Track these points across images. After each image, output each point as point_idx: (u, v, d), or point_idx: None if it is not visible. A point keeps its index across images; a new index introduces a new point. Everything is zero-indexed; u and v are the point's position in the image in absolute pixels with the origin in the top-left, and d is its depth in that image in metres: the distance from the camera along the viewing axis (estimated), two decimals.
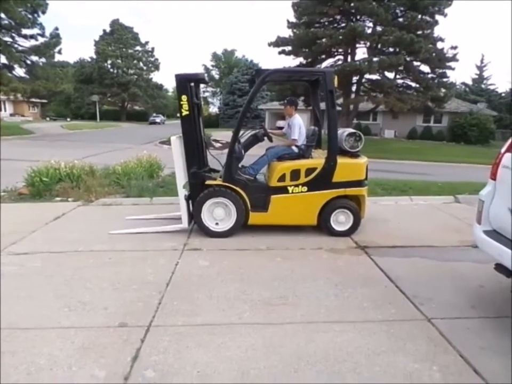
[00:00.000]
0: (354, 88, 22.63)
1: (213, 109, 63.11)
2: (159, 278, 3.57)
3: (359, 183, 4.84)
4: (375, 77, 21.69)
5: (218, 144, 17.55)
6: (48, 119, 47.89)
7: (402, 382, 2.25)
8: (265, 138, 5.29)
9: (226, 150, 4.95)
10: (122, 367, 2.33)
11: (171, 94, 61.05)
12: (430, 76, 22.12)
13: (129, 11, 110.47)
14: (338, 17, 21.75)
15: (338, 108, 16.97)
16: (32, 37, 26.36)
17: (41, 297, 3.19)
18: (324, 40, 20.22)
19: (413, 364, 2.40)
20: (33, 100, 42.00)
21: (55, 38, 27.11)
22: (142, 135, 26.93)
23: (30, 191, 6.83)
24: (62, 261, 3.96)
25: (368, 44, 21.07)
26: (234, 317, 2.93)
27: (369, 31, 20.68)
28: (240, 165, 5.05)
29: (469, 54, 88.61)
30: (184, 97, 4.55)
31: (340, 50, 22.04)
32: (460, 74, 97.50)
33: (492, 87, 45.98)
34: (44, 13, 25.71)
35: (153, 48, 55.01)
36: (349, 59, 21.65)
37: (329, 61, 22.95)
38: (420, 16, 19.92)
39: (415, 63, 21.45)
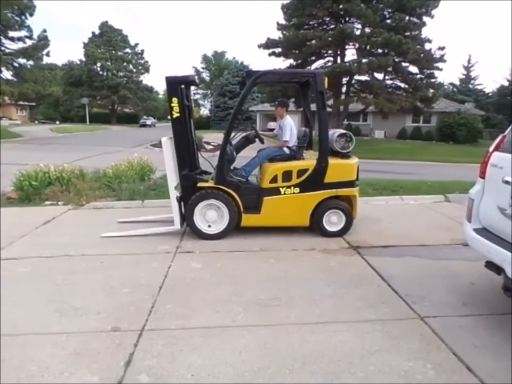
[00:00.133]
0: (344, 89, 22.79)
1: (204, 111, 63.11)
2: (152, 281, 3.55)
3: (350, 184, 4.86)
4: (364, 78, 21.89)
5: (209, 146, 17.51)
6: (36, 122, 47.33)
7: (396, 380, 2.26)
8: (257, 139, 5.30)
9: (217, 152, 4.94)
10: (115, 372, 2.30)
11: (161, 96, 60.83)
12: (418, 76, 22.37)
13: (118, 11, 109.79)
14: (327, 19, 21.90)
15: (329, 109, 17.10)
16: (19, 39, 26.10)
17: (31, 303, 3.14)
18: (313, 41, 20.35)
19: (407, 363, 2.41)
20: (21, 102, 41.39)
21: (43, 40, 26.89)
22: (133, 137, 26.74)
23: (19, 195, 6.74)
24: (53, 266, 3.91)
25: (357, 45, 21.24)
26: (228, 319, 2.92)
27: (358, 32, 20.86)
28: (232, 167, 5.04)
29: (456, 54, 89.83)
30: (174, 100, 4.54)
31: (330, 51, 22.19)
32: (448, 74, 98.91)
33: (479, 87, 46.68)
34: (31, 15, 25.49)
35: (142, 50, 54.81)
36: (339, 60, 21.80)
37: (319, 63, 23.14)
38: (407, 18, 20.16)
39: (404, 64, 21.69)
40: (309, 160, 4.95)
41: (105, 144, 20.41)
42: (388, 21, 20.70)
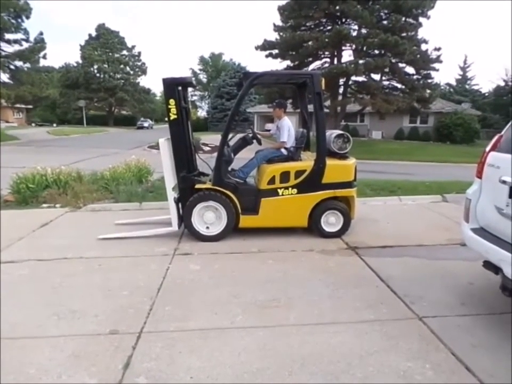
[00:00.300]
0: (341, 90, 22.85)
1: (202, 113, 63.06)
2: (150, 283, 3.54)
3: (348, 184, 4.87)
4: (361, 78, 21.92)
5: (207, 148, 17.49)
6: (33, 124, 47.20)
7: (395, 381, 2.26)
8: (254, 141, 5.30)
9: (215, 154, 4.94)
10: (113, 375, 2.30)
11: (159, 98, 60.70)
12: (415, 77, 22.43)
13: (114, 12, 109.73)
14: (324, 20, 21.95)
15: (326, 110, 17.07)
16: (16, 41, 26.04)
17: (29, 306, 3.13)
18: (310, 43, 20.37)
19: (406, 363, 2.41)
20: (18, 105, 41.39)
21: (40, 43, 26.83)
22: (130, 139, 26.70)
23: (16, 198, 6.71)
24: (51, 269, 3.89)
25: (354, 46, 21.29)
26: (227, 321, 2.91)
27: (354, 33, 20.92)
28: (229, 168, 5.04)
29: (452, 55, 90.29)
30: (172, 101, 4.54)
31: (327, 53, 22.22)
32: (444, 75, 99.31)
33: (475, 87, 46.83)
34: (28, 17, 25.42)
35: (139, 53, 54.72)
36: (336, 61, 21.84)
37: (316, 64, 23.18)
38: (403, 19, 20.20)
39: (400, 65, 21.74)
40: (307, 161, 4.96)
41: (102, 146, 20.37)
42: (384, 22, 20.76)
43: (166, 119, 4.73)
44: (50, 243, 4.64)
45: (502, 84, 40.53)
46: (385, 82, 22.86)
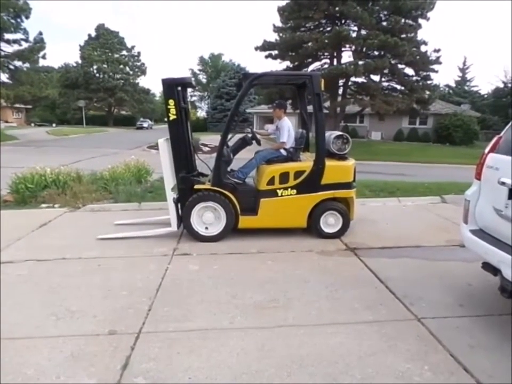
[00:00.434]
0: (341, 91, 22.84)
1: (201, 113, 63.05)
2: (149, 284, 3.54)
3: (347, 185, 4.87)
4: (361, 79, 21.92)
5: (206, 148, 17.48)
6: (33, 124, 47.18)
7: (394, 382, 2.26)
8: (254, 141, 5.30)
9: (214, 154, 4.94)
10: (112, 375, 2.29)
11: (158, 98, 60.69)
12: (414, 78, 22.45)
13: (114, 12, 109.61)
14: (323, 21, 21.94)
15: (326, 111, 17.10)
16: (15, 41, 26.01)
17: (28, 306, 3.13)
18: (310, 44, 20.36)
19: (405, 364, 2.41)
20: (17, 105, 41.38)
21: (39, 43, 26.80)
22: (130, 140, 26.70)
23: (15, 198, 6.70)
24: (49, 269, 3.89)
25: (353, 47, 21.29)
26: (226, 321, 2.91)
27: (354, 34, 20.92)
28: (229, 169, 5.04)
29: (452, 56, 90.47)
30: (171, 102, 4.54)
31: (326, 53, 22.23)
32: (443, 76, 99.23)
33: (474, 89, 46.90)
34: (27, 17, 25.40)
35: (139, 53, 54.73)
36: (335, 62, 21.84)
37: (316, 65, 23.15)
38: (403, 20, 20.20)
39: (400, 66, 21.77)
40: (306, 162, 4.96)
41: (101, 146, 20.37)
42: (384, 23, 20.76)
43: (166, 119, 4.73)
44: (49, 243, 4.64)
45: (501, 85, 40.66)
46: (385, 84, 22.87)
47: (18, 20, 25.29)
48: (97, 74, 51.84)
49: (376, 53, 21.05)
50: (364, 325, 2.87)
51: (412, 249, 4.55)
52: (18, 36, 25.93)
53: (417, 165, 16.16)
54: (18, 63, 26.94)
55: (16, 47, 26.14)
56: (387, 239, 4.86)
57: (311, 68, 22.91)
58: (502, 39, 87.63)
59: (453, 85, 47.89)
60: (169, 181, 4.73)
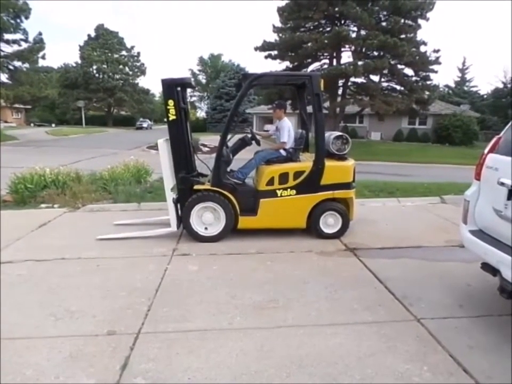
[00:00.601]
0: (340, 91, 22.84)
1: (201, 114, 63.05)
2: (148, 284, 3.53)
3: (347, 186, 4.87)
4: (360, 80, 21.95)
5: (206, 149, 17.49)
6: (32, 125, 47.16)
7: (393, 382, 2.26)
8: (253, 142, 5.30)
9: (214, 154, 4.94)
10: (111, 376, 2.29)
11: (158, 98, 60.68)
12: (414, 78, 22.46)
13: (113, 12, 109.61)
14: (323, 21, 21.95)
15: (325, 111, 17.10)
16: (15, 42, 26.01)
17: (27, 306, 3.12)
18: (309, 44, 20.37)
19: (404, 365, 2.41)
20: (16, 105, 41.36)
21: (39, 43, 26.80)
22: (129, 140, 26.70)
23: (14, 198, 6.70)
24: (49, 269, 3.88)
25: (353, 47, 21.30)
26: (225, 322, 2.91)
27: (353, 35, 20.93)
28: (228, 169, 5.04)
29: (451, 57, 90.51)
30: (171, 102, 4.54)
31: (326, 54, 22.24)
32: (443, 77, 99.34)
33: (474, 89, 46.93)
34: (27, 18, 25.40)
35: (139, 53, 54.75)
36: (335, 63, 21.84)
37: (315, 65, 23.15)
38: (402, 21, 20.22)
39: (399, 66, 21.77)
40: (306, 162, 4.96)
41: (101, 146, 20.37)
42: (384, 24, 20.77)
43: (165, 119, 4.73)
44: (48, 243, 4.63)
45: (501, 85, 40.69)
46: (384, 84, 22.89)
47: (18, 20, 25.29)
48: (97, 75, 51.85)
49: (375, 53, 21.07)
50: (363, 326, 2.87)
51: (411, 250, 4.55)
52: (17, 36, 25.99)
53: (417, 165, 16.17)
54: (17, 63, 26.95)
55: (15, 47, 26.20)
56: (387, 240, 4.86)
57: (310, 68, 22.93)
58: (502, 39, 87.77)
59: (453, 85, 47.94)
60: (169, 181, 4.73)
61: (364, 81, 21.85)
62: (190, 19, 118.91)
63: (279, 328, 2.84)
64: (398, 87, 22.65)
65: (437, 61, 21.50)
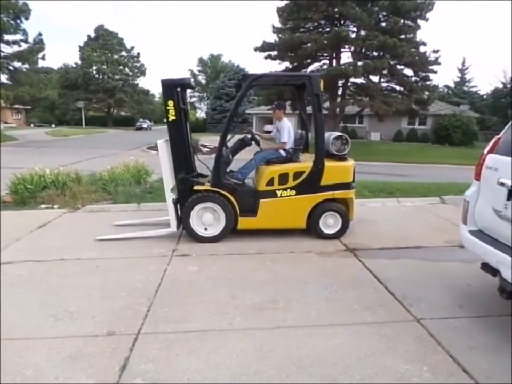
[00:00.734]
0: (340, 91, 22.86)
1: (200, 114, 63.09)
2: (148, 285, 3.53)
3: (346, 186, 4.87)
4: (360, 80, 21.97)
5: (206, 149, 17.50)
6: (32, 125, 47.17)
7: (393, 383, 2.26)
8: (253, 142, 5.30)
9: (214, 155, 4.94)
10: (110, 377, 2.29)
11: (158, 99, 60.72)
12: (413, 79, 22.49)
13: (113, 13, 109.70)
14: (322, 22, 21.98)
15: (325, 112, 17.11)
16: (15, 42, 26.01)
17: (26, 307, 3.12)
18: (309, 44, 20.39)
19: (404, 365, 2.41)
20: (16, 106, 41.35)
21: (39, 44, 26.81)
22: (129, 140, 26.71)
23: (14, 199, 6.69)
24: (48, 270, 3.88)
25: (352, 48, 21.31)
26: (225, 323, 2.91)
27: (353, 35, 20.95)
28: (228, 170, 5.04)
29: (451, 57, 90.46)
30: (170, 103, 4.53)
31: (325, 54, 22.26)
32: (443, 77, 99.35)
33: (474, 90, 46.93)
34: (27, 19, 25.41)
35: (138, 54, 54.78)
36: (334, 63, 21.86)
37: (315, 65, 23.17)
38: (402, 21, 20.25)
39: (399, 67, 21.79)
40: (305, 162, 4.96)
41: (101, 147, 20.37)
42: (383, 24, 20.79)
43: (165, 120, 4.72)
44: (48, 244, 4.63)
45: (500, 86, 40.70)
46: (384, 84, 22.90)
47: (18, 21, 25.30)
48: (97, 75, 51.86)
49: (375, 53, 21.09)
50: (363, 326, 2.87)
51: (411, 250, 4.54)
52: (17, 37, 25.98)
53: (416, 166, 16.18)
54: (17, 64, 26.96)
55: (15, 48, 26.20)
56: (386, 240, 4.86)
57: (310, 68, 22.95)
58: (502, 39, 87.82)
59: (452, 85, 47.96)
60: (169, 182, 4.72)
61: (364, 81, 21.87)
62: (190, 19, 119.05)
63: (279, 328, 2.84)
64: (397, 88, 22.67)
65: (436, 61, 21.52)
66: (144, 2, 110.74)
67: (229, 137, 5.00)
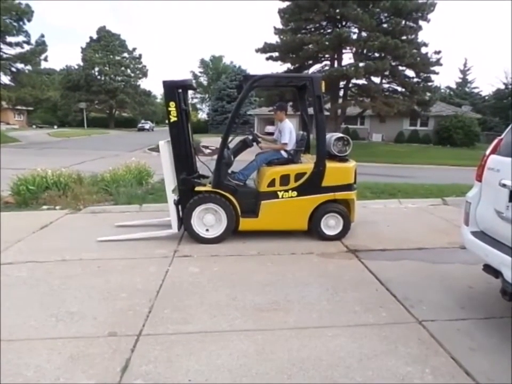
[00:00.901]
0: (341, 93, 22.86)
1: (202, 115, 63.22)
2: (149, 286, 3.53)
3: (348, 187, 4.86)
4: (361, 81, 21.95)
5: (207, 150, 17.48)
6: (34, 126, 47.27)
7: None
8: (254, 143, 5.30)
9: (215, 156, 4.94)
10: (111, 378, 2.29)
11: (159, 100, 60.78)
12: (415, 80, 22.46)
13: (115, 14, 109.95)
14: (324, 23, 22.00)
15: (326, 113, 17.07)
16: (17, 44, 26.11)
17: (27, 308, 3.12)
18: (310, 46, 20.40)
19: (405, 367, 2.40)
20: (18, 107, 41.43)
21: (41, 45, 26.89)
22: (131, 142, 26.74)
23: (16, 200, 6.71)
24: (49, 270, 3.88)
25: (354, 49, 21.32)
26: (226, 324, 2.90)
27: (354, 36, 20.94)
28: (229, 171, 5.03)
29: (453, 58, 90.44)
30: (172, 104, 4.54)
31: (327, 55, 22.26)
32: (444, 78, 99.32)
33: (475, 91, 46.84)
34: (29, 20, 25.49)
35: (140, 55, 54.93)
36: (336, 64, 21.85)
37: (316, 67, 23.17)
38: (403, 22, 20.23)
39: (401, 68, 21.77)
40: (307, 163, 4.95)
41: (102, 148, 20.41)
42: (384, 25, 20.79)
43: (167, 121, 4.73)
44: (49, 245, 4.64)
45: (502, 87, 40.61)
46: (386, 85, 22.89)
47: (20, 23, 25.38)
48: (99, 77, 52.01)
49: (376, 54, 21.08)
50: (364, 328, 2.86)
51: (412, 251, 4.53)
52: (20, 38, 26.07)
53: (418, 167, 16.14)
54: (20, 66, 27.03)
55: (18, 49, 26.29)
56: (388, 241, 4.85)
57: (311, 69, 22.94)
58: (503, 40, 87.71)
59: (454, 86, 47.88)
60: (170, 183, 4.73)
61: (365, 82, 21.85)
62: (192, 21, 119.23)
63: (280, 330, 2.83)
64: (399, 89, 22.64)
65: (438, 62, 21.50)
66: (145, 4, 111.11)
67: (230, 138, 4.99)
